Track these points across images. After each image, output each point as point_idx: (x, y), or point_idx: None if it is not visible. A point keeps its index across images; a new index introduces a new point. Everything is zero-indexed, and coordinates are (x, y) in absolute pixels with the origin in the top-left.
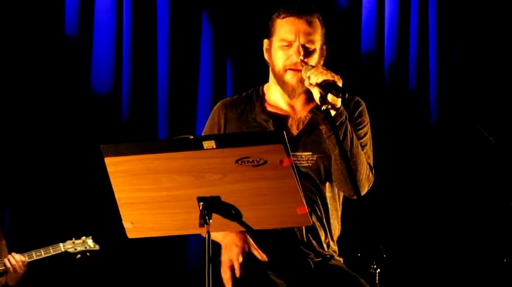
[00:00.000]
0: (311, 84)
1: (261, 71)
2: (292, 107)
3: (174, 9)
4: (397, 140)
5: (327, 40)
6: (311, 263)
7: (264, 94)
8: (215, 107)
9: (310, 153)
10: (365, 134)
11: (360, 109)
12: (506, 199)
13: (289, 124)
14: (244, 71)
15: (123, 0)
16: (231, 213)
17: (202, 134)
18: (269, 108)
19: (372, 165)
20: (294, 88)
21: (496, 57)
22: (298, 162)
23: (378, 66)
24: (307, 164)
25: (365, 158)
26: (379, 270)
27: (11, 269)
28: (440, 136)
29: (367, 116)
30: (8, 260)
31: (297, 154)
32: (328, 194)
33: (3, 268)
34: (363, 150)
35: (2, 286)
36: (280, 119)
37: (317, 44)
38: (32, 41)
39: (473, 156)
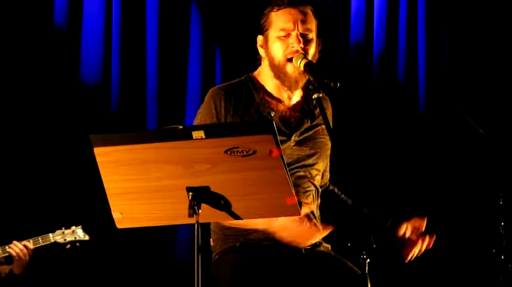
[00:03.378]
0: (303, 72)
1: (250, 60)
2: (291, 99)
3: None
4: (386, 131)
5: (317, 31)
6: (302, 249)
7: (261, 85)
8: (210, 95)
9: (309, 147)
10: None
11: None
12: (495, 189)
13: (291, 119)
14: (233, 61)
15: None
16: (220, 203)
17: (198, 123)
18: (270, 100)
19: None
20: (296, 80)
21: (486, 48)
22: (297, 156)
23: (367, 57)
24: (305, 157)
25: None
26: (368, 260)
27: (17, 256)
28: (429, 127)
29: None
30: (12, 248)
31: (299, 147)
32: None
33: (4, 254)
34: None
35: (6, 274)
36: (284, 113)
37: (313, 34)
38: (20, 30)
39: (462, 146)
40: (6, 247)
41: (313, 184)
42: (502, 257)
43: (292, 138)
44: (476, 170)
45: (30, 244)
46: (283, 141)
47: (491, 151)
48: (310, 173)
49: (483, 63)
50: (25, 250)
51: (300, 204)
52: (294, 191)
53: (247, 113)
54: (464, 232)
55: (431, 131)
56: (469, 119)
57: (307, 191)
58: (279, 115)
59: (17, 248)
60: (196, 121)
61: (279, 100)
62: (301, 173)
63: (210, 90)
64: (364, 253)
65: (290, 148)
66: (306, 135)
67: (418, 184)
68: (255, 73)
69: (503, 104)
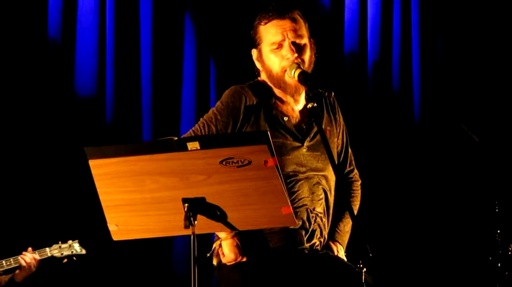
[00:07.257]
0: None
1: (245, 71)
2: (298, 104)
3: (157, 10)
4: (381, 140)
5: (309, 34)
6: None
7: (270, 89)
8: (232, 91)
9: (320, 153)
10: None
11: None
12: (490, 197)
13: (302, 123)
14: (227, 72)
15: (106, 1)
16: (216, 214)
17: (214, 114)
18: (281, 104)
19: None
20: (297, 88)
21: (480, 57)
22: (310, 161)
23: (361, 66)
24: (317, 164)
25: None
26: (365, 269)
27: (27, 266)
28: (424, 136)
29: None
30: (23, 258)
31: (311, 153)
32: (332, 193)
33: (16, 265)
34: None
35: (6, 282)
36: (295, 118)
37: (305, 39)
38: (15, 43)
39: (458, 155)
40: (19, 257)
41: (324, 190)
42: (499, 264)
43: (305, 143)
44: (472, 178)
45: (37, 256)
46: (297, 148)
47: (487, 159)
48: (320, 179)
49: (477, 72)
50: (34, 261)
51: (296, 214)
52: (289, 201)
53: (265, 119)
54: (461, 240)
55: (426, 140)
56: (464, 127)
57: (320, 199)
58: (292, 120)
59: (27, 258)
60: (208, 114)
61: (288, 105)
62: (316, 180)
63: (231, 88)
64: (360, 262)
65: (303, 154)
66: (316, 139)
67: (414, 193)
68: (260, 79)
69: (498, 112)
